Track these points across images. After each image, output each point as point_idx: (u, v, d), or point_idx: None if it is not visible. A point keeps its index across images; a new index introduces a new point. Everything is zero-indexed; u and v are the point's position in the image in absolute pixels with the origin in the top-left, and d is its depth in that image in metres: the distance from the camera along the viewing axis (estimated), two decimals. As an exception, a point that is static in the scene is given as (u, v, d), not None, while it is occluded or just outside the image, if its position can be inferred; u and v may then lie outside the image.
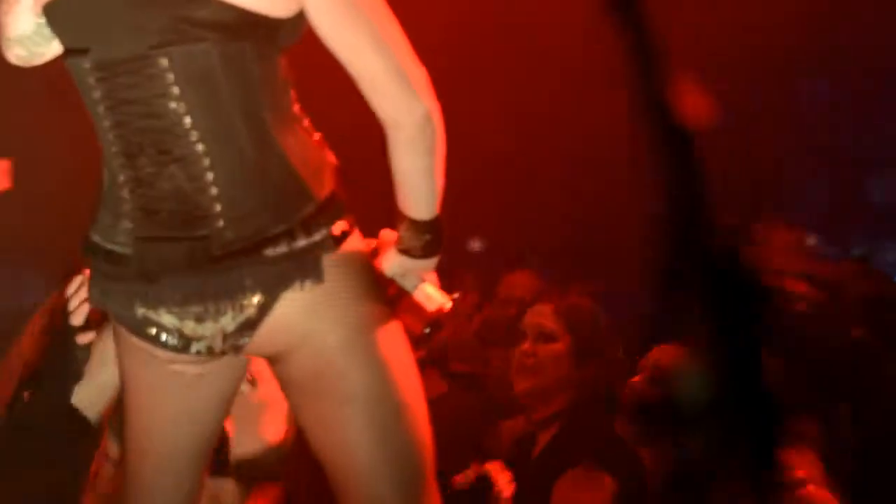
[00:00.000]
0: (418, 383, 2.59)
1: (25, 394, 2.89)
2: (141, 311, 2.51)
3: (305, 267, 2.46)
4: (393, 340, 2.55)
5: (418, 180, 2.55)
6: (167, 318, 2.50)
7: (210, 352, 2.54)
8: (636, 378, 3.75)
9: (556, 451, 4.01)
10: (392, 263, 2.65)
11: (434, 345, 4.29)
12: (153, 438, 2.65)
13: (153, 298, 2.49)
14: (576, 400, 4.06)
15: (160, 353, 2.56)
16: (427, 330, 2.83)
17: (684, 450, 3.51)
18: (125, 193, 2.50)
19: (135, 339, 2.57)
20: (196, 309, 2.48)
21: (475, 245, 6.58)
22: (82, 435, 2.88)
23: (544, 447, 4.08)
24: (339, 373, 2.50)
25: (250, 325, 2.49)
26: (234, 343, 2.52)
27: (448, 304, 2.71)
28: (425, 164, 2.53)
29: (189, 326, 2.50)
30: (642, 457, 3.72)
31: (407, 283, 2.68)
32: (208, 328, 2.50)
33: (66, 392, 2.89)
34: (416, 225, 2.60)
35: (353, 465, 2.52)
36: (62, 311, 2.89)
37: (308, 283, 2.46)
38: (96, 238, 2.55)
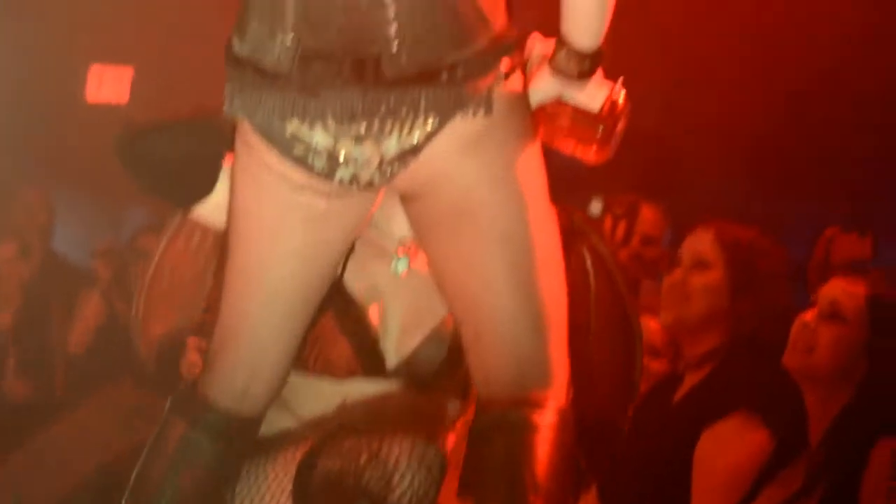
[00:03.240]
0: (557, 235, 2.53)
1: None
2: (293, 125, 2.42)
3: (479, 96, 2.39)
4: (542, 189, 2.51)
5: (590, 9, 2.44)
6: (320, 137, 2.42)
7: (353, 181, 2.46)
8: (808, 313, 3.39)
9: (705, 397, 3.62)
10: (544, 84, 2.55)
11: None
12: (260, 279, 2.56)
13: (313, 111, 2.40)
14: (730, 339, 3.65)
15: (297, 176, 2.46)
16: (601, 128, 2.59)
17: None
18: (289, 5, 2.39)
19: (271, 160, 2.47)
20: (357, 128, 2.40)
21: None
22: None
23: (690, 390, 3.68)
24: (487, 210, 2.45)
25: (414, 151, 2.42)
26: (388, 171, 2.44)
27: (618, 92, 2.57)
28: None
29: (344, 147, 2.42)
30: (807, 402, 3.38)
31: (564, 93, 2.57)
32: (366, 150, 2.42)
33: None
34: (577, 53, 2.50)
35: (493, 304, 2.47)
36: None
37: (479, 113, 2.40)
38: (244, 50, 2.44)
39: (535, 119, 2.53)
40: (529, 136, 2.49)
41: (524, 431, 2.41)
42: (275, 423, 2.75)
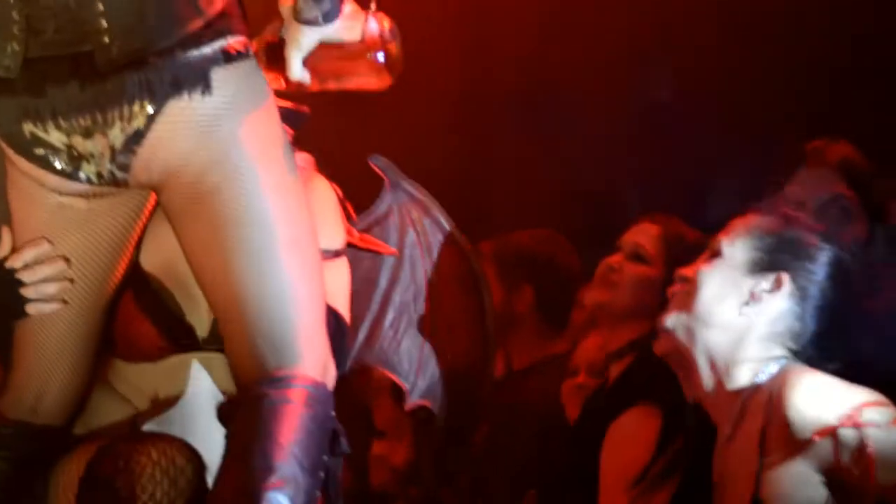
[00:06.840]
0: (307, 211, 2.60)
1: None
2: (29, 127, 2.54)
3: (193, 77, 2.50)
4: (281, 165, 2.57)
5: None
6: (56, 136, 2.53)
7: (99, 178, 2.56)
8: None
9: (623, 388, 3.69)
10: (299, 36, 2.66)
11: None
12: None
13: (41, 111, 2.51)
14: (649, 334, 3.68)
15: (49, 179, 2.58)
16: (370, 55, 2.67)
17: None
18: (14, 14, 2.51)
19: (24, 166, 2.59)
20: (84, 121, 2.51)
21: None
22: None
23: (613, 382, 3.75)
24: (222, 194, 2.52)
25: (137, 138, 2.52)
26: (121, 161, 2.54)
27: (376, 15, 2.65)
28: None
29: (78, 142, 2.53)
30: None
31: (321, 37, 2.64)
32: (97, 143, 2.52)
33: None
34: None
35: (234, 289, 2.54)
36: None
37: (195, 94, 2.50)
38: None
39: (309, 69, 2.65)
40: (263, 115, 2.58)
41: (262, 406, 2.48)
42: (112, 413, 2.88)
